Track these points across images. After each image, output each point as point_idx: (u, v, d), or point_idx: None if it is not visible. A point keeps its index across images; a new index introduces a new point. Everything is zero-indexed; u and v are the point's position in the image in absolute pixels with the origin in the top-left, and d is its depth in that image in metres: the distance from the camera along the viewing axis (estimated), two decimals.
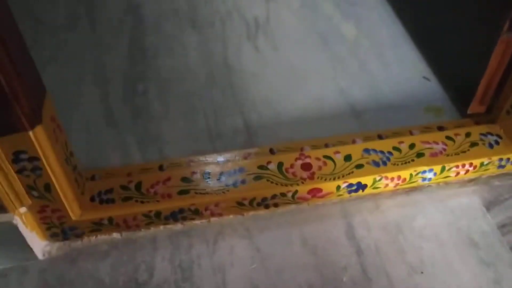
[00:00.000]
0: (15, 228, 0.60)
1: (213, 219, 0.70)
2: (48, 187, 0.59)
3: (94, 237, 0.68)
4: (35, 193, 0.59)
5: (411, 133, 0.79)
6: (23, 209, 0.61)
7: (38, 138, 0.54)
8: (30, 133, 0.53)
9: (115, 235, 0.69)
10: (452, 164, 0.73)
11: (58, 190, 0.60)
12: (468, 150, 0.75)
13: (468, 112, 0.82)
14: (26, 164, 0.56)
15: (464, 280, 0.64)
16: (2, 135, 0.52)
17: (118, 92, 0.87)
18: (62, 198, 0.61)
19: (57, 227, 0.65)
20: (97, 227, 0.67)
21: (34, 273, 0.65)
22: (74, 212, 0.64)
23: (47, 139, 0.55)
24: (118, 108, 0.85)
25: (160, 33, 1.00)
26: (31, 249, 0.64)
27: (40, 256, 0.66)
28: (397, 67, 0.94)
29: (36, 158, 0.55)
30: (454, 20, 0.90)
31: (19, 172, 0.56)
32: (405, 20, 1.05)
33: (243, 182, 0.70)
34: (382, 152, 0.74)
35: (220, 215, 0.71)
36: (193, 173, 0.71)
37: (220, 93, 0.88)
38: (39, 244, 0.66)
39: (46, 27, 1.00)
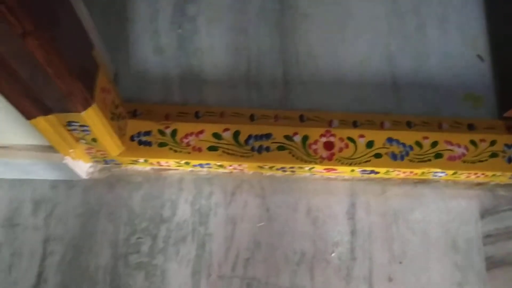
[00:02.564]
0: (65, 164, 0.70)
1: (235, 171, 0.79)
2: (95, 140, 0.67)
3: (131, 167, 0.78)
4: (83, 141, 0.67)
5: (439, 126, 0.81)
6: (71, 150, 0.69)
7: (89, 115, 0.60)
8: (83, 113, 0.58)
9: (148, 169, 0.78)
10: (465, 172, 0.77)
11: (104, 142, 0.68)
12: (486, 160, 0.78)
13: (504, 115, 0.82)
14: (77, 127, 0.63)
15: (433, 277, 0.75)
16: (58, 112, 0.58)
17: (167, 11, 0.87)
18: (106, 146, 0.69)
19: (99, 158, 0.75)
20: (134, 162, 0.77)
21: (79, 189, 0.77)
22: (115, 152, 0.73)
23: (97, 115, 0.60)
24: (165, 32, 0.86)
25: None
26: (77, 172, 0.74)
27: (84, 176, 0.77)
28: (455, 36, 0.90)
29: (86, 126, 0.62)
30: None
31: (71, 131, 0.64)
32: None
33: (267, 149, 0.76)
34: (404, 144, 0.78)
35: (242, 170, 0.79)
36: (225, 130, 0.77)
37: (267, 33, 0.87)
38: (84, 167, 0.76)
39: None
